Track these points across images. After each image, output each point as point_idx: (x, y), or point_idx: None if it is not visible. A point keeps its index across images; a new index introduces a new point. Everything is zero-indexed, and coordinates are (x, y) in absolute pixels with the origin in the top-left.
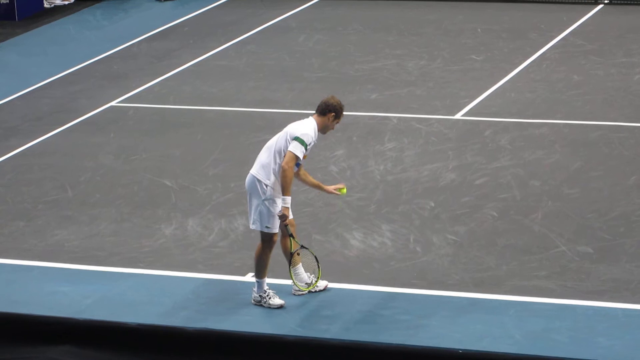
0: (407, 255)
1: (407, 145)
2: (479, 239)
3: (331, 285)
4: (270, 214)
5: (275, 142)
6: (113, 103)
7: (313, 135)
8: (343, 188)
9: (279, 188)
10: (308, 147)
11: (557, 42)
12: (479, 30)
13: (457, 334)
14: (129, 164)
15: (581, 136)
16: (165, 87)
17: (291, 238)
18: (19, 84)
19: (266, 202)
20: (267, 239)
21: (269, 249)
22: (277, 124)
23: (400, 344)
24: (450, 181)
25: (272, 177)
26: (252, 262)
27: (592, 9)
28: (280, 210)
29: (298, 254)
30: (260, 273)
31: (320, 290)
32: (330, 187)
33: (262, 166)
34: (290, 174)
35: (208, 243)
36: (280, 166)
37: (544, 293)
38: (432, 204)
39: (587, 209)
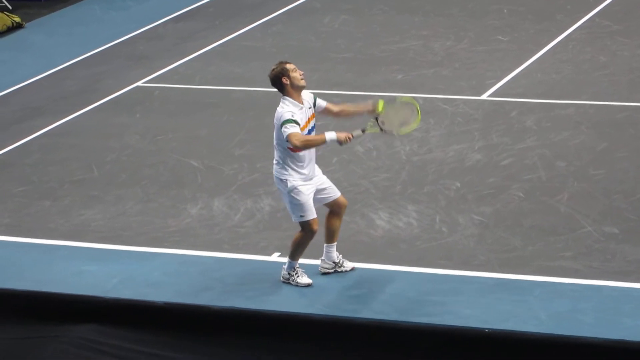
0: (433, 236)
1: (433, 126)
2: (504, 219)
3: (357, 265)
4: (299, 204)
5: (274, 137)
6: (139, 83)
7: (291, 108)
8: (379, 104)
9: (297, 177)
10: (295, 117)
11: (583, 22)
12: (505, 11)
13: (482, 314)
14: (154, 144)
15: (607, 117)
16: (191, 68)
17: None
18: (45, 65)
19: (292, 194)
20: (305, 227)
21: (309, 237)
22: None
23: (427, 324)
24: (476, 162)
25: (287, 169)
26: (278, 242)
27: None
28: (336, 140)
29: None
30: (294, 256)
31: (347, 271)
32: (368, 106)
33: (276, 163)
34: (303, 141)
35: (234, 223)
36: (291, 152)
37: (570, 273)
38: (458, 185)
39: (613, 189)
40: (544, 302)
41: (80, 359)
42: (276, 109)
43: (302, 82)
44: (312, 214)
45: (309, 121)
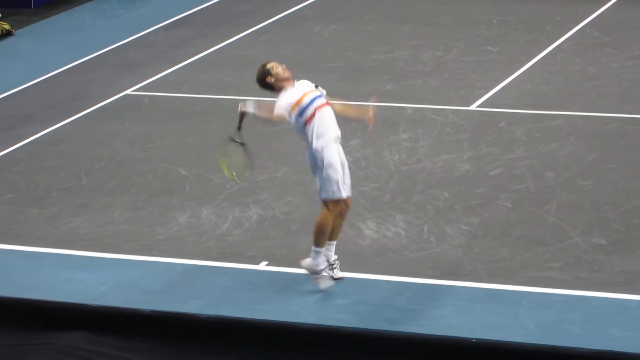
0: (421, 245)
1: (422, 136)
2: (492, 229)
3: (346, 274)
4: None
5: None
6: (128, 91)
7: (286, 96)
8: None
9: (325, 146)
10: (288, 103)
11: (572, 34)
12: (495, 21)
13: (470, 324)
14: (144, 152)
15: (596, 128)
16: (181, 76)
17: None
18: (35, 72)
19: (327, 169)
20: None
21: (332, 215)
22: None
23: (414, 333)
24: (465, 172)
25: (315, 145)
26: (265, 251)
27: (609, 1)
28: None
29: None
30: (322, 241)
31: (335, 278)
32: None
33: (307, 146)
34: (271, 116)
35: (222, 231)
36: (306, 125)
37: (558, 284)
38: (447, 195)
39: (602, 200)
40: (531, 312)
41: None
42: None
43: (287, 73)
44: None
45: (304, 95)
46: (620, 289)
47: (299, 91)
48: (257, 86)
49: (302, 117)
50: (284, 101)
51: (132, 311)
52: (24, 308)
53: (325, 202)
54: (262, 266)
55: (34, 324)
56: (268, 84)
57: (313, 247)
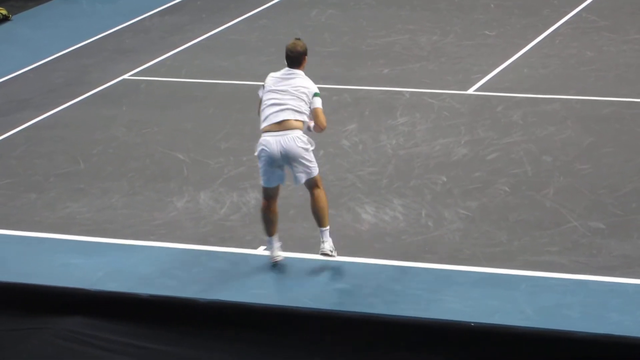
0: (419, 230)
1: (419, 120)
2: (490, 214)
3: (343, 259)
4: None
5: (292, 101)
6: (125, 76)
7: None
8: None
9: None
10: None
11: (570, 18)
12: (492, 5)
13: (468, 309)
14: (141, 137)
15: (593, 112)
16: (177, 61)
17: None
18: (31, 57)
19: (312, 150)
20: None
21: None
22: None
23: (412, 317)
24: (462, 156)
25: (305, 129)
26: (263, 236)
27: None
28: None
29: None
30: (328, 218)
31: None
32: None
33: (296, 126)
34: (324, 121)
35: (220, 216)
36: (320, 127)
37: (556, 268)
38: (444, 179)
39: (599, 184)
40: (529, 297)
41: (66, 351)
42: (295, 78)
43: None
44: None
45: None
46: (618, 273)
47: None
48: (252, 71)
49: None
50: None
51: (130, 296)
52: (21, 293)
53: (319, 178)
54: (260, 251)
55: (32, 309)
56: (302, 60)
57: (327, 228)
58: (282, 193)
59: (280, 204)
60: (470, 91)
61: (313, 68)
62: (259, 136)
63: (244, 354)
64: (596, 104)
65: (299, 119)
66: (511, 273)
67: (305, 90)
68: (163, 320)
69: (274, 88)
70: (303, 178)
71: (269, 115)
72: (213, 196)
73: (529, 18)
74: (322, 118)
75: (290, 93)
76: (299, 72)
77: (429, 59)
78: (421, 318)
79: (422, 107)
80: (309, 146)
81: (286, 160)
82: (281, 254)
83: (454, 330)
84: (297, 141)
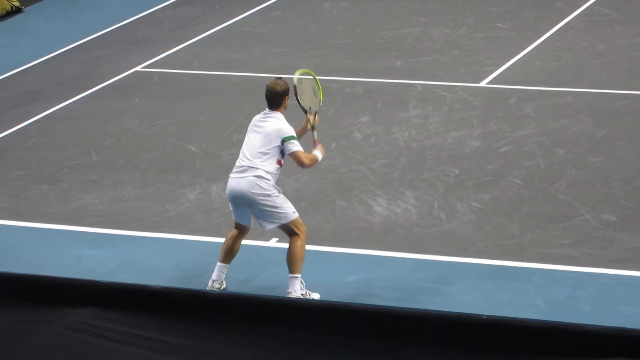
0: (431, 222)
1: (432, 113)
2: (503, 206)
3: (355, 251)
4: (285, 202)
5: (261, 148)
6: (137, 68)
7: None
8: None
9: (274, 182)
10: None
11: (582, 10)
12: None
13: (480, 301)
14: (153, 129)
15: (606, 105)
16: (190, 53)
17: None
18: (44, 49)
19: (279, 198)
20: (300, 225)
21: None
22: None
23: (424, 310)
24: (475, 149)
25: (271, 180)
26: (277, 229)
27: None
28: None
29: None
30: (299, 267)
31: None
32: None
33: (262, 175)
34: (312, 159)
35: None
36: (302, 165)
37: (568, 261)
38: (457, 171)
39: (611, 177)
40: (541, 289)
41: (78, 343)
42: (266, 122)
43: None
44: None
45: None
46: (630, 266)
47: None
48: (265, 63)
49: (283, 154)
50: (299, 145)
51: (141, 287)
52: (33, 284)
53: (294, 225)
54: (273, 243)
55: (44, 301)
56: (281, 101)
57: (297, 275)
58: (294, 185)
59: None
60: (483, 84)
61: (325, 60)
62: None
63: (255, 346)
64: (609, 97)
65: (265, 161)
66: (523, 266)
67: (278, 134)
68: (175, 312)
69: (251, 129)
70: (266, 226)
71: (240, 156)
72: (225, 188)
73: (541, 11)
74: (303, 159)
75: (262, 135)
76: (275, 115)
77: (442, 52)
78: (433, 311)
79: (435, 100)
80: (270, 191)
81: (246, 204)
82: (222, 286)
83: (465, 323)
84: (254, 186)
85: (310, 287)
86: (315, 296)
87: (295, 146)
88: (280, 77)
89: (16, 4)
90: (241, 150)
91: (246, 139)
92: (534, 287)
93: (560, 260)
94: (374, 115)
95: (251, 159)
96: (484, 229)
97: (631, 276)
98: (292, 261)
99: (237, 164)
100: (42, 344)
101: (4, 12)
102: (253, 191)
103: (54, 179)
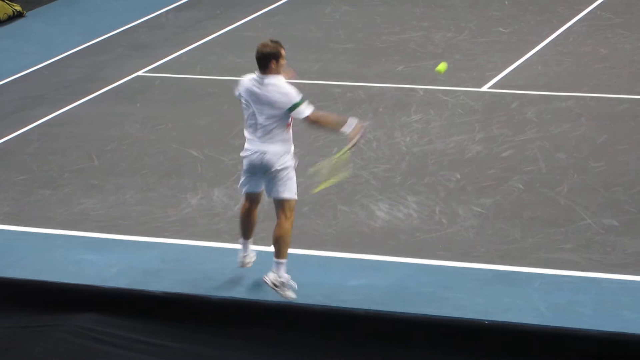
0: (433, 227)
1: (433, 117)
2: (504, 211)
3: (357, 256)
4: (294, 181)
5: (267, 117)
6: (139, 73)
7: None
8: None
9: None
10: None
11: (584, 15)
12: (506, 2)
13: (482, 306)
14: (155, 134)
15: (607, 109)
16: (192, 58)
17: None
18: (46, 53)
19: (293, 170)
20: (293, 211)
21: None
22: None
23: (426, 315)
24: (476, 153)
25: (287, 146)
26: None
27: None
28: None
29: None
30: (286, 251)
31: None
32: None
33: (275, 141)
34: (322, 117)
35: (234, 213)
36: (288, 128)
37: (569, 266)
38: (458, 176)
39: (613, 182)
40: (543, 294)
41: (79, 348)
42: (265, 88)
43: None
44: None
45: None
46: (631, 271)
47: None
48: None
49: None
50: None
51: (143, 293)
52: (34, 289)
53: (289, 206)
54: (272, 248)
55: (45, 306)
56: (273, 63)
57: (282, 260)
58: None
59: None
60: (485, 88)
61: (327, 64)
62: None
63: (256, 351)
64: (610, 102)
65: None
66: (525, 270)
67: (282, 102)
68: (176, 318)
69: (249, 99)
70: (279, 194)
71: (249, 129)
72: (227, 193)
73: (543, 15)
74: (312, 118)
75: (266, 105)
76: (273, 77)
77: (443, 56)
78: (434, 316)
79: (436, 104)
80: (290, 163)
81: (265, 174)
82: (253, 259)
83: (467, 328)
84: (278, 160)
85: (311, 291)
86: (291, 292)
87: (307, 108)
88: (275, 41)
89: (18, 8)
90: (249, 123)
91: (251, 109)
92: (536, 291)
93: (561, 265)
94: (376, 119)
95: (266, 132)
96: (486, 234)
97: (633, 281)
98: (284, 244)
99: (249, 136)
100: (44, 350)
101: (5, 16)
102: (277, 166)
103: (55, 184)
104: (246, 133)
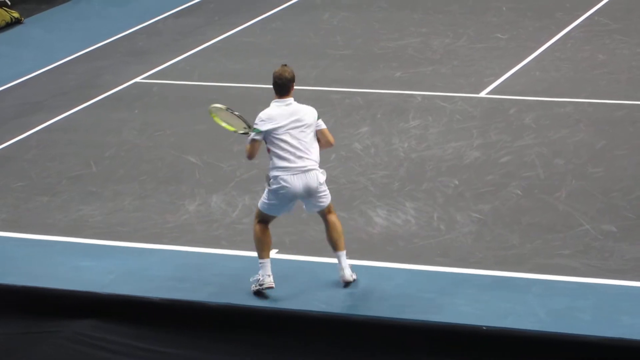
0: (431, 233)
1: (432, 123)
2: (502, 217)
3: (355, 262)
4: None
5: (307, 133)
6: (138, 79)
7: None
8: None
9: None
10: None
11: (582, 21)
12: (504, 8)
13: (480, 312)
14: (153, 140)
15: (606, 115)
16: (190, 64)
17: None
18: (45, 60)
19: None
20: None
21: None
22: (301, 101)
23: (424, 321)
24: (475, 159)
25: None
26: (276, 239)
27: None
28: None
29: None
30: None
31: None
32: None
33: (316, 161)
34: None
35: (232, 219)
36: (330, 144)
37: (568, 271)
38: (456, 182)
39: (611, 187)
40: (542, 300)
41: (77, 354)
42: (297, 108)
43: None
44: None
45: None
46: (630, 276)
47: None
48: (265, 74)
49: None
50: None
51: (141, 299)
52: (33, 296)
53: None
54: (272, 254)
55: (43, 312)
56: (293, 86)
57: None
58: None
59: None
60: (483, 94)
61: (325, 71)
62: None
63: (255, 357)
64: (609, 107)
65: (315, 151)
66: (523, 276)
67: (313, 118)
68: (174, 324)
69: (286, 126)
70: (319, 208)
71: (289, 155)
72: (225, 199)
73: (541, 21)
74: (331, 137)
75: (303, 127)
76: (293, 101)
77: (442, 62)
78: (433, 322)
79: (435, 110)
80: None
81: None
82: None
83: (466, 334)
84: (319, 179)
85: (310, 297)
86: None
87: (323, 123)
88: (286, 65)
89: (16, 15)
90: (287, 150)
91: (286, 137)
92: (534, 297)
93: (560, 271)
94: (374, 125)
95: (307, 155)
96: (484, 240)
97: (631, 286)
98: (339, 236)
99: (290, 164)
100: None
101: (3, 23)
102: (319, 186)
103: (54, 190)
104: (280, 163)
